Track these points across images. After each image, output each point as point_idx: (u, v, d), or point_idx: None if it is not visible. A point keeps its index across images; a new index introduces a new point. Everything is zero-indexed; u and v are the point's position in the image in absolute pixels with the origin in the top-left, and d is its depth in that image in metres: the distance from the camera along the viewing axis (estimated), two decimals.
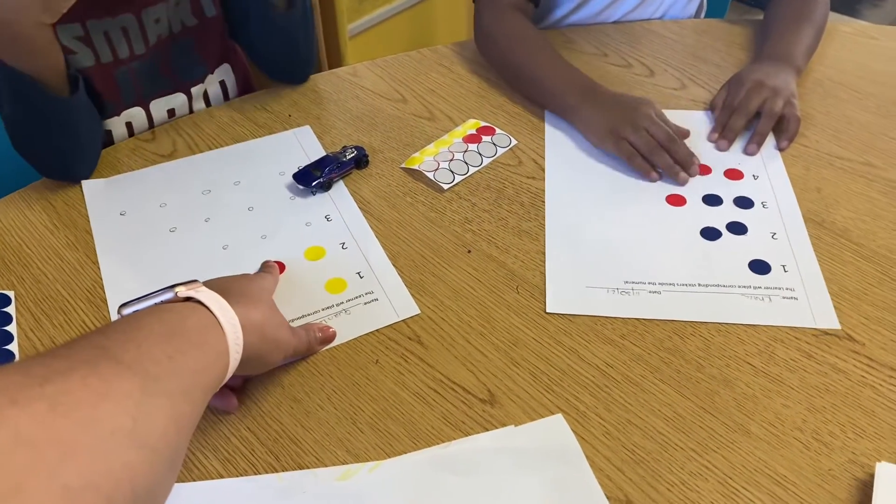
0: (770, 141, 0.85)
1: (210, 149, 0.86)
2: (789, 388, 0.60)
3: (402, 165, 0.83)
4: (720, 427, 0.57)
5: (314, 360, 0.63)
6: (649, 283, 0.70)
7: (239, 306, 0.53)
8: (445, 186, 0.80)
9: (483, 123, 0.88)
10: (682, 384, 0.60)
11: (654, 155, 0.80)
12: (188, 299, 0.52)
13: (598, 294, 0.69)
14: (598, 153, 0.84)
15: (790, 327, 0.64)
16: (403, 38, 2.07)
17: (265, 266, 0.69)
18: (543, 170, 0.82)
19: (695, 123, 0.88)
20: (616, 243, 0.74)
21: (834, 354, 0.62)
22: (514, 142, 0.86)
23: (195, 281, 0.55)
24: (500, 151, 0.85)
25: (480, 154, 0.84)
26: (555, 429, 0.57)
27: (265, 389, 0.61)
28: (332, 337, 0.65)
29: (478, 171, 0.82)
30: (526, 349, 0.64)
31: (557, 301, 0.68)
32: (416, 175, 0.82)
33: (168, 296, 0.53)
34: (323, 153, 0.84)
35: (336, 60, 1.83)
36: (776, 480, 0.54)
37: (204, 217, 0.78)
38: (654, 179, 0.80)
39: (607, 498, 0.53)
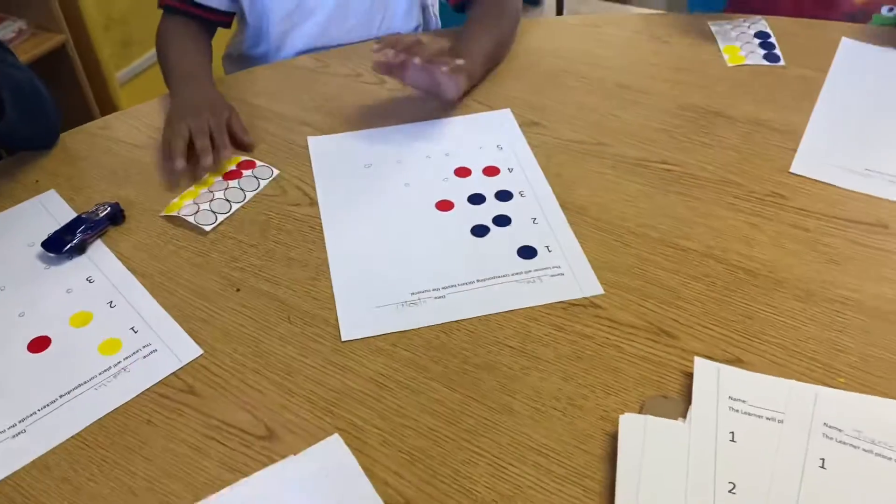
0: (520, 138, 0.91)
1: None
2: (545, 361, 0.64)
3: (162, 214, 0.81)
4: (486, 411, 0.61)
5: (82, 435, 0.61)
6: (433, 290, 0.73)
7: None
8: (207, 228, 0.79)
9: (243, 158, 0.88)
10: (449, 378, 0.64)
11: (197, 138, 0.86)
12: None
13: (387, 311, 0.70)
14: (367, 174, 0.86)
15: (544, 305, 0.69)
16: None
17: None
18: (308, 196, 0.83)
19: (456, 128, 0.93)
20: (396, 258, 0.76)
21: (581, 323, 0.68)
22: (275, 172, 0.86)
23: None
24: (263, 184, 0.85)
25: (243, 189, 0.84)
26: (332, 449, 0.59)
27: (28, 475, 0.58)
28: None
29: (241, 206, 0.82)
30: (301, 377, 0.64)
31: (351, 327, 0.69)
32: (179, 221, 0.80)
33: None
34: (74, 215, 0.80)
35: (109, 109, 1.76)
36: (538, 451, 0.58)
37: None
38: (179, 167, 0.85)
39: None
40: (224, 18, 1.11)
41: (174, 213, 0.80)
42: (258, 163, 0.87)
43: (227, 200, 0.82)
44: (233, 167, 0.87)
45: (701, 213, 0.78)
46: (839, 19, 1.14)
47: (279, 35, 1.12)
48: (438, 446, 0.59)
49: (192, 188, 0.84)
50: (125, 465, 0.58)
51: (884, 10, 1.12)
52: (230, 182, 0.85)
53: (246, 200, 0.83)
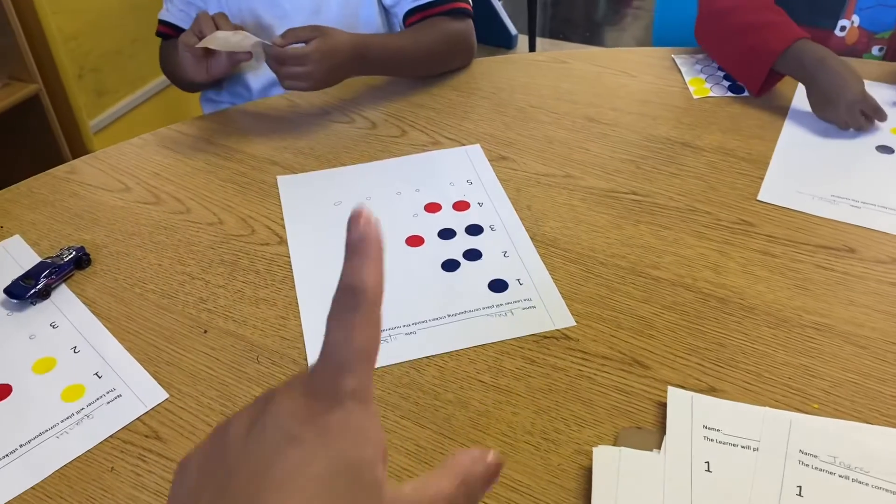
0: (490, 172, 0.91)
1: None
2: (517, 395, 0.64)
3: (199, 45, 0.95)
4: (458, 448, 0.60)
5: (42, 486, 0.59)
6: (404, 326, 0.72)
7: None
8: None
9: None
10: (420, 415, 0.62)
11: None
12: None
13: None
14: (337, 211, 0.86)
15: (516, 338, 0.69)
16: (157, 124, 2.03)
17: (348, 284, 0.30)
18: (277, 235, 0.83)
19: (426, 164, 0.93)
20: None
21: (553, 355, 0.67)
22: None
23: None
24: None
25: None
26: None
27: None
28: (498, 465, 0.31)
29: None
30: None
31: None
32: (144, 263, 0.79)
33: None
34: (38, 260, 0.79)
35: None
36: (512, 487, 0.57)
37: None
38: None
39: None
40: None
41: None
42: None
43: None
44: None
45: (670, 242, 0.79)
46: None
47: (250, 69, 1.14)
48: None
49: None
50: None
51: (874, 51, 1.14)
52: None
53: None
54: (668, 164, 0.90)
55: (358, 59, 1.00)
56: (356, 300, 0.28)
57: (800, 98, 1.01)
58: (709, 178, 0.87)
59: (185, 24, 1.12)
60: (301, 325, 0.71)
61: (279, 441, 0.26)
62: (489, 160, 0.93)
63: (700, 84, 1.05)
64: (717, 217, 0.81)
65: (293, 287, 0.76)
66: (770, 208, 0.83)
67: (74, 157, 1.77)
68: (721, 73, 1.07)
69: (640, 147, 0.93)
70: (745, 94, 1.03)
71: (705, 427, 0.59)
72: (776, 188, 0.86)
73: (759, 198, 0.84)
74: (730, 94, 1.03)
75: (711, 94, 1.03)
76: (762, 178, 0.87)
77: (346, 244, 0.29)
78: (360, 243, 0.29)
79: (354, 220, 0.29)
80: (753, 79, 1.00)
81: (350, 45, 0.98)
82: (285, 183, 0.91)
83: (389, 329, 0.71)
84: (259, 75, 1.15)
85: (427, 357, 0.68)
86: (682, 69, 1.09)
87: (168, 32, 1.14)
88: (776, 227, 0.80)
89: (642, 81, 1.07)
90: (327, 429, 0.27)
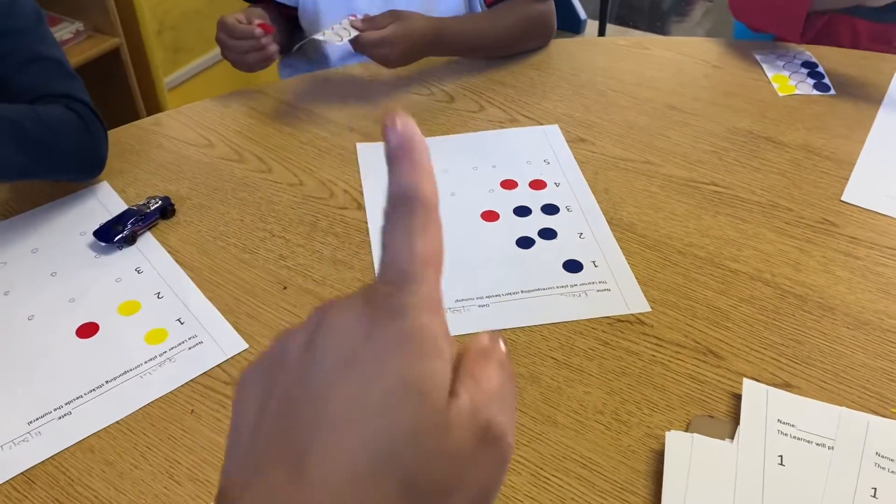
0: (568, 153, 0.91)
1: (4, 217, 0.82)
2: (589, 375, 0.64)
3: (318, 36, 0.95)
4: (529, 422, 0.60)
5: (126, 421, 0.61)
6: (477, 298, 0.73)
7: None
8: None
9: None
10: None
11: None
12: None
13: None
14: None
15: (589, 319, 0.69)
16: (229, 85, 2.06)
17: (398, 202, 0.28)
18: (356, 200, 0.84)
19: (503, 141, 0.93)
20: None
21: (627, 339, 0.67)
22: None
23: None
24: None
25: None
26: None
27: (73, 456, 0.58)
28: None
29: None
30: None
31: None
32: (227, 217, 0.81)
33: None
34: (125, 207, 0.82)
35: (156, 112, 1.80)
36: (582, 464, 0.57)
37: (2, 291, 0.74)
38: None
39: None
40: (291, 13, 1.14)
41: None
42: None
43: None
44: None
45: (749, 235, 0.78)
46: None
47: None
48: None
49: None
50: (168, 453, 0.59)
51: None
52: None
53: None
54: (751, 158, 0.88)
55: (434, 41, 1.01)
56: (410, 206, 0.26)
57: (890, 100, 0.99)
58: (792, 175, 0.86)
59: None
60: None
61: (334, 367, 0.24)
62: (567, 141, 0.92)
63: (784, 81, 1.03)
64: (799, 214, 0.80)
65: (370, 252, 0.77)
66: (854, 210, 0.81)
67: (149, 112, 1.82)
68: (805, 71, 1.05)
69: (722, 138, 0.92)
70: (832, 92, 1.00)
71: (780, 421, 0.59)
72: (862, 190, 0.84)
73: (843, 198, 0.83)
74: (815, 92, 1.01)
75: (797, 91, 1.01)
76: (847, 179, 0.85)
77: (386, 154, 0.27)
78: (401, 149, 0.27)
79: (390, 126, 0.27)
80: (794, 24, 0.99)
81: (426, 28, 0.99)
82: (364, 150, 0.92)
83: (462, 300, 0.72)
84: (337, 45, 1.15)
85: (500, 330, 0.68)
86: (764, 66, 1.06)
87: None
88: (860, 229, 0.78)
89: (726, 73, 1.05)
90: (386, 344, 0.24)
